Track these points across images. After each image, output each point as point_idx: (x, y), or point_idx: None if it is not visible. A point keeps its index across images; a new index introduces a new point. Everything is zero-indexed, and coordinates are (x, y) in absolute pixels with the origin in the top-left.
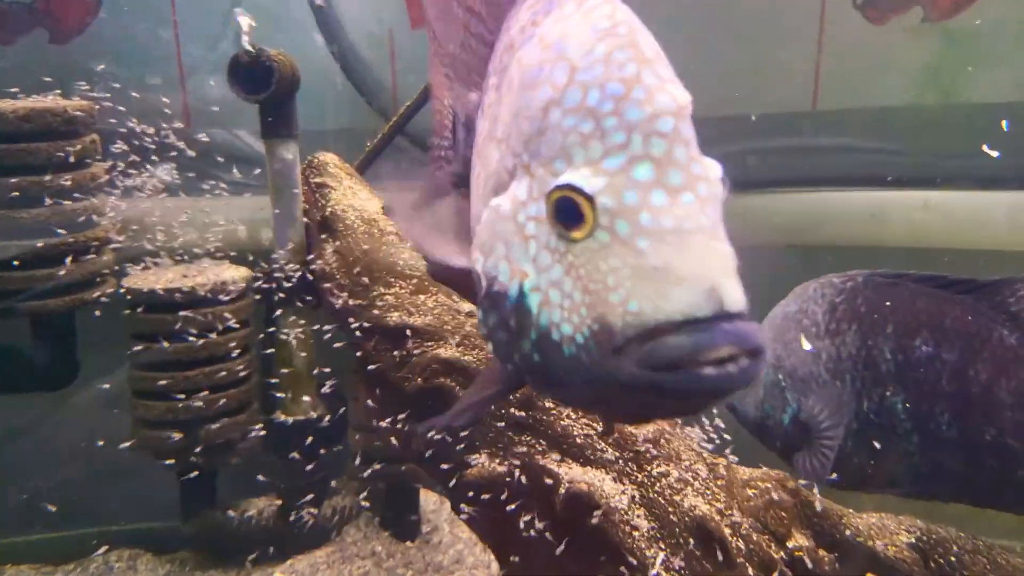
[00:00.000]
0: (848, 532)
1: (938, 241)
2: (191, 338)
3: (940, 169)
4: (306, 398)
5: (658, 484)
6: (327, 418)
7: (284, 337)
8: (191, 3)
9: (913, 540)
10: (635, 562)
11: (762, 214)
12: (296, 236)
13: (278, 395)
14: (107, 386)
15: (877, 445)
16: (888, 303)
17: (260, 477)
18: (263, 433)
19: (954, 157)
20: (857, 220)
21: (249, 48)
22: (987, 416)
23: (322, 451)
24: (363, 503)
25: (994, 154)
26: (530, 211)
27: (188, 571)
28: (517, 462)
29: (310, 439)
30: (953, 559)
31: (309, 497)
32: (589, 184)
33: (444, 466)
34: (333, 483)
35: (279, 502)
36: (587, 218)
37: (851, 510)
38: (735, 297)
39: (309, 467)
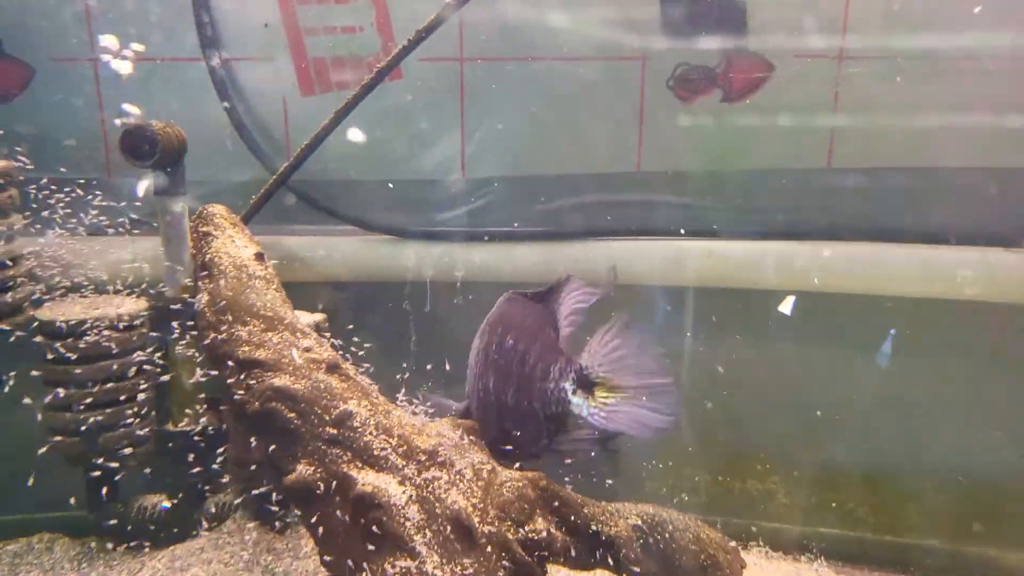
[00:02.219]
0: (584, 517)
1: (720, 282)
2: (94, 360)
3: (724, 223)
4: (191, 412)
5: (431, 485)
6: (210, 428)
7: (174, 360)
8: (112, 79)
9: (639, 522)
10: (405, 544)
11: (583, 260)
12: (183, 277)
13: (169, 408)
14: (27, 400)
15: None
16: (503, 312)
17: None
18: (156, 440)
19: (735, 213)
20: (658, 264)
21: (137, 123)
22: (529, 389)
23: (205, 456)
24: (239, 500)
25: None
26: None
27: (95, 552)
28: (323, 470)
29: (194, 445)
30: (667, 535)
31: (195, 494)
32: None
33: (275, 475)
34: (213, 485)
35: (169, 498)
36: None
37: (597, 500)
38: None
39: (194, 469)
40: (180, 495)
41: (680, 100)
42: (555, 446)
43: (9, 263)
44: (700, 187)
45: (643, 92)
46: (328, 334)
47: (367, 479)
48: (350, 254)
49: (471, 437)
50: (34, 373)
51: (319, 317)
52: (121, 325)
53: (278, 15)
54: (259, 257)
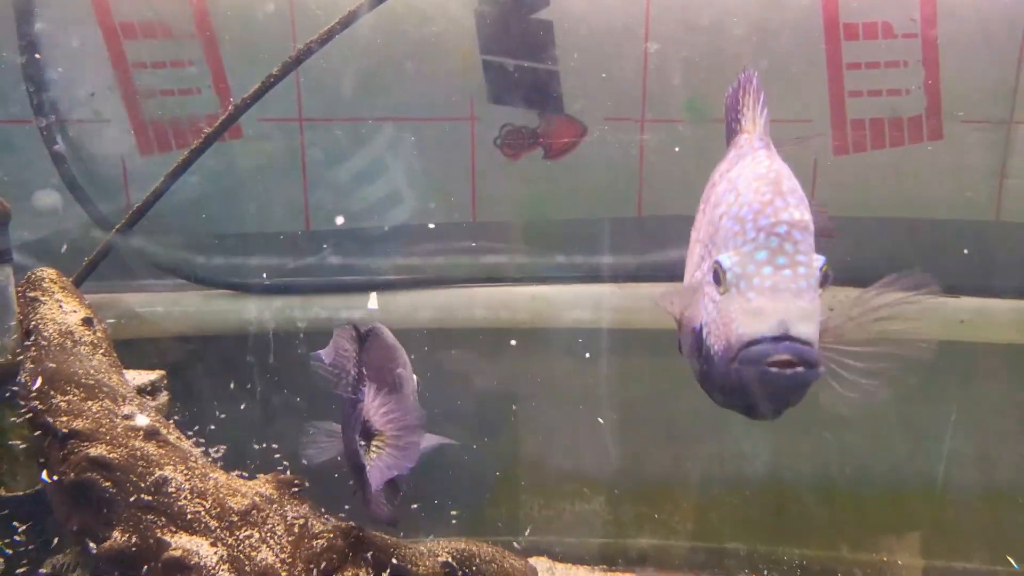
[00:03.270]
0: (396, 559)
1: (545, 323)
2: None
3: (548, 269)
4: (21, 477)
5: (242, 544)
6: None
7: (2, 426)
8: None
9: (448, 559)
10: None
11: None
12: (9, 344)
13: (2, 472)
14: None
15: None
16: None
17: None
18: None
19: (556, 260)
20: (492, 308)
21: None
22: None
23: (40, 519)
24: (77, 562)
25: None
26: (707, 280)
27: None
28: (138, 536)
29: (27, 509)
30: (475, 569)
31: (30, 558)
32: (726, 260)
33: (92, 543)
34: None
35: (4, 562)
36: (723, 281)
37: (408, 542)
38: (799, 328)
39: (30, 532)
40: (16, 559)
41: (507, 157)
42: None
43: None
44: (526, 235)
45: (474, 150)
46: (164, 393)
47: (179, 542)
48: (191, 309)
49: (289, 493)
50: None
51: (155, 375)
52: None
53: (112, 79)
54: (87, 322)
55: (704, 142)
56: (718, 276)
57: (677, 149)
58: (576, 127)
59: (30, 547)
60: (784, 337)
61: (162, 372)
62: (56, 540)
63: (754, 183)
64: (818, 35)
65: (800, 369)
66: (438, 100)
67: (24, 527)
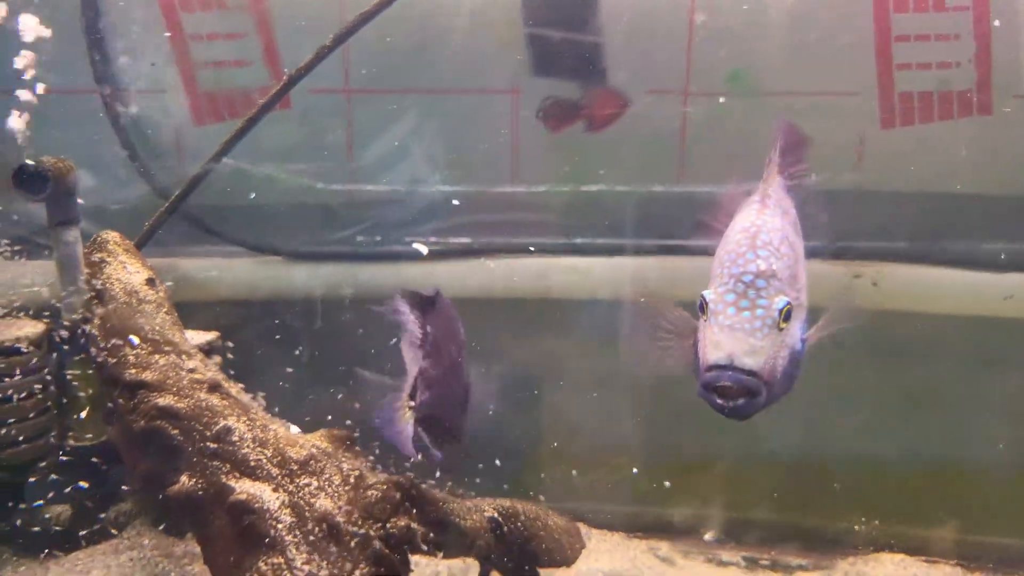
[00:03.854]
0: (444, 513)
1: (579, 295)
2: None
3: (586, 242)
4: (92, 425)
5: (302, 491)
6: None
7: (72, 379)
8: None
9: (494, 515)
10: (277, 544)
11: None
12: (78, 302)
13: (69, 424)
14: None
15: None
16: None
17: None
18: (59, 453)
19: (596, 231)
20: (532, 279)
21: (29, 161)
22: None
23: (107, 467)
24: (138, 509)
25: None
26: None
27: (1, 559)
28: (204, 481)
29: (95, 458)
30: (519, 524)
31: (96, 503)
32: (707, 296)
33: (160, 487)
34: (113, 495)
35: (71, 507)
36: (705, 311)
37: (457, 497)
38: (743, 361)
39: (95, 480)
40: (82, 505)
41: (549, 130)
42: None
43: None
44: (566, 205)
45: (515, 122)
46: (218, 356)
47: (243, 487)
48: (243, 275)
49: (344, 447)
50: None
51: (212, 336)
52: (23, 347)
53: (170, 51)
54: (150, 282)
55: (746, 115)
56: (703, 306)
57: (719, 122)
58: (619, 99)
59: (95, 494)
60: (729, 367)
61: (218, 333)
62: (118, 490)
63: (738, 235)
64: (867, 6)
65: (741, 401)
66: (481, 73)
67: (90, 475)
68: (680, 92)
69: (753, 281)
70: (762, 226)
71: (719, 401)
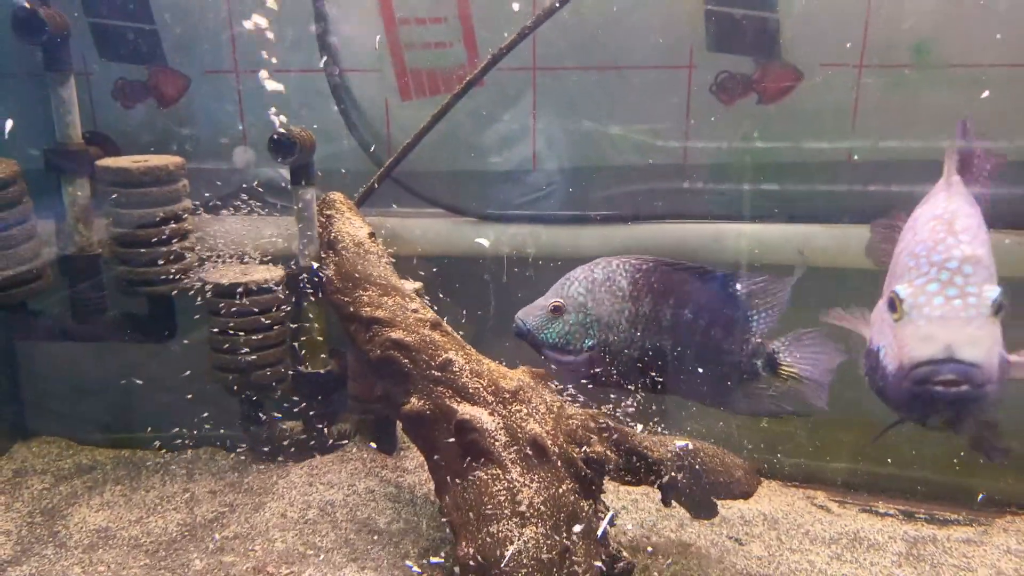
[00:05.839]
0: (634, 443)
1: (752, 259)
2: (246, 315)
3: (753, 209)
4: (320, 356)
5: (514, 416)
6: (334, 370)
7: (305, 316)
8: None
9: (679, 448)
10: (495, 458)
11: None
12: (312, 251)
13: (302, 354)
14: (186, 342)
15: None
16: (670, 283)
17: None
18: (293, 379)
19: (764, 199)
20: (703, 244)
21: (281, 130)
22: (709, 357)
23: (330, 392)
24: (355, 429)
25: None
26: (884, 308)
27: (247, 463)
28: (431, 403)
29: (322, 384)
30: (700, 459)
31: (323, 421)
32: (901, 291)
33: (395, 406)
34: (335, 415)
35: (303, 424)
36: (898, 309)
37: (638, 430)
38: (965, 352)
39: (322, 401)
40: (311, 422)
41: (721, 103)
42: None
43: (180, 238)
44: (738, 176)
45: (689, 96)
46: (426, 299)
47: (465, 410)
48: (442, 233)
49: (544, 382)
50: (208, 321)
51: (418, 285)
52: (267, 287)
53: (383, 33)
54: (372, 236)
55: (921, 87)
56: (894, 304)
57: (893, 94)
58: (791, 73)
59: (321, 414)
60: (950, 360)
61: (420, 284)
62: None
63: (930, 223)
64: None
65: (965, 387)
66: (660, 49)
67: (320, 396)
68: (855, 65)
69: (959, 267)
70: (956, 211)
71: (941, 392)
